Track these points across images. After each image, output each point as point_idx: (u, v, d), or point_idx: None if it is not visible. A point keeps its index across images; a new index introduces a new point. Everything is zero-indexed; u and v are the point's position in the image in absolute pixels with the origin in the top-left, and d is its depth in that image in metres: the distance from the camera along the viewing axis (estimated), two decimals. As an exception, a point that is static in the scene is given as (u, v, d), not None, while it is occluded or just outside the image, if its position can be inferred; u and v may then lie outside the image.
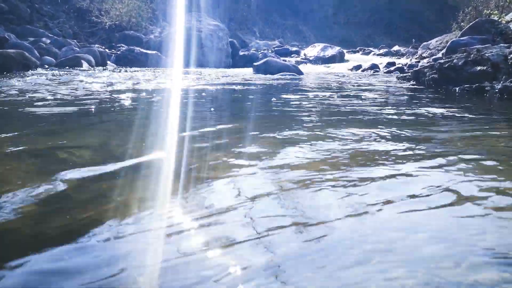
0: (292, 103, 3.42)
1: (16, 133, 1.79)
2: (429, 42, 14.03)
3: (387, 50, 17.07)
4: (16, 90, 3.39)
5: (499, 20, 8.56)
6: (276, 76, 7.49)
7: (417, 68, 6.13)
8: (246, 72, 8.66)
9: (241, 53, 13.08)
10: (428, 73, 5.53)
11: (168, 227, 0.86)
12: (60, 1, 12.16)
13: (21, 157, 1.42)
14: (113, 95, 3.52)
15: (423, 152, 1.60)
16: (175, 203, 1.01)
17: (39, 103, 2.76)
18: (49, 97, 3.08)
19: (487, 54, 4.73)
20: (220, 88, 4.70)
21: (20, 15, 10.67)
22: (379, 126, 2.20)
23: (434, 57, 9.91)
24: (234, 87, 4.99)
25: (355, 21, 29.14)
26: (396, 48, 17.52)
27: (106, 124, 2.20)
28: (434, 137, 1.99)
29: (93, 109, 2.64)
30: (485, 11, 10.58)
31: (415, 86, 5.58)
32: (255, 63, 8.73)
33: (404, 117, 2.67)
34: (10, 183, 1.12)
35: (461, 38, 6.44)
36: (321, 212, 0.97)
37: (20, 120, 2.21)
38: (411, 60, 13.01)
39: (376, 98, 3.99)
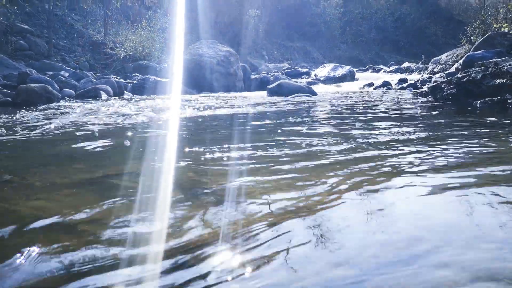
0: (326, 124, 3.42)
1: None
2: (439, 57, 14.06)
3: (397, 67, 17.13)
4: (58, 124, 3.48)
5: (511, 32, 8.56)
6: (290, 97, 7.54)
7: (433, 84, 6.12)
8: (260, 95, 8.74)
9: (252, 77, 13.23)
10: (445, 88, 5.52)
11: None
12: (76, 35, 12.58)
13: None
14: (147, 124, 3.58)
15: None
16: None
17: (90, 136, 2.81)
18: (91, 129, 3.14)
19: (506, 67, 4.71)
20: (243, 113, 4.75)
21: (39, 51, 11.05)
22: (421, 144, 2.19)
23: (447, 72, 9.91)
24: (258, 109, 5.03)
25: (362, 40, 29.41)
26: (406, 64, 17.57)
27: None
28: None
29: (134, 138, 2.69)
30: (494, 24, 10.59)
31: (434, 102, 5.56)
32: (268, 86, 8.82)
33: (439, 133, 2.65)
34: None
35: (476, 52, 6.45)
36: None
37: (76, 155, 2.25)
38: (422, 76, 13.02)
39: (400, 115, 3.98)
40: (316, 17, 28.75)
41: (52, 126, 3.25)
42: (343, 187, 1.42)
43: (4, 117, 3.97)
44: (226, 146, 2.28)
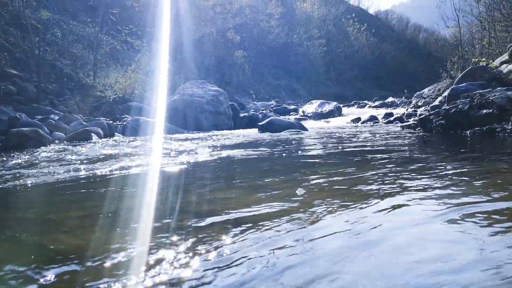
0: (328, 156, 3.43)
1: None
2: (422, 91, 14.53)
3: (381, 102, 17.58)
4: (60, 166, 3.40)
5: (489, 66, 8.95)
6: (282, 133, 7.61)
7: (422, 116, 6.28)
8: (251, 133, 8.81)
9: (241, 115, 13.38)
10: (434, 120, 5.66)
11: None
12: (66, 79, 12.66)
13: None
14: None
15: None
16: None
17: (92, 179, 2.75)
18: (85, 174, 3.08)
19: (491, 98, 4.88)
20: (242, 152, 4.75)
21: (27, 96, 11.03)
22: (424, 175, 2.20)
23: (431, 105, 10.20)
24: (255, 149, 5.04)
25: (346, 77, 30.36)
26: (390, 99, 18.07)
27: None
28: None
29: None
30: (472, 59, 11.09)
31: (423, 133, 5.67)
32: (259, 123, 8.91)
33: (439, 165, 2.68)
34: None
35: (460, 85, 6.69)
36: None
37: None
38: (407, 109, 13.37)
39: (394, 148, 4.03)
40: (300, 56, 29.71)
41: (52, 171, 3.18)
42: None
43: (-4, 161, 3.88)
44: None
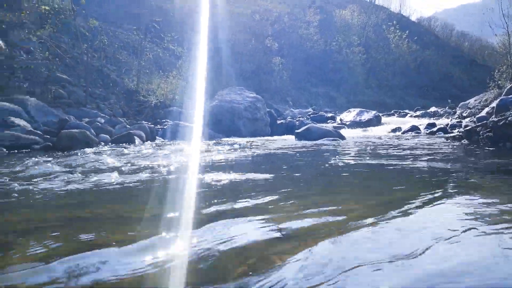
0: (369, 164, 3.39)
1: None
2: (468, 101, 13.92)
3: (423, 111, 17.02)
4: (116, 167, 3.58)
5: (542, 75, 8.46)
6: (319, 141, 7.56)
7: (468, 127, 6.03)
8: (288, 139, 8.81)
9: (278, 122, 13.41)
10: (481, 132, 5.42)
11: None
12: (111, 84, 13.24)
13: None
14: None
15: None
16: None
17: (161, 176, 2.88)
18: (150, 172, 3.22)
19: (544, 110, 4.62)
20: (282, 154, 4.77)
21: (76, 99, 11.63)
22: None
23: (477, 116, 9.76)
24: (292, 152, 5.05)
25: (387, 85, 29.65)
26: (433, 109, 17.46)
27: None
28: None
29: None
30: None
31: (470, 145, 5.44)
32: (297, 130, 8.90)
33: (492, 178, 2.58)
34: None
35: (509, 96, 6.37)
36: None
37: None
38: (451, 120, 12.87)
39: (438, 159, 3.90)
40: (339, 64, 29.39)
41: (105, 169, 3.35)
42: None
43: (57, 161, 4.13)
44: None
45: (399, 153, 4.66)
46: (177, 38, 16.23)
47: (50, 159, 4.32)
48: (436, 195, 2.03)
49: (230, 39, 21.87)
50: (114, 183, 2.66)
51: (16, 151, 5.49)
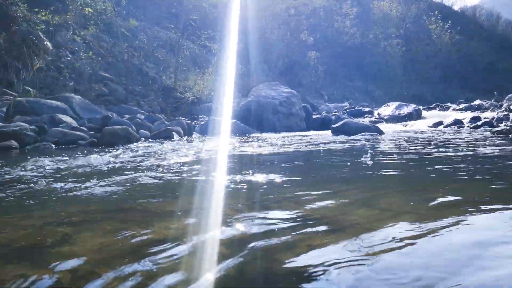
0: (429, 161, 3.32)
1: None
2: (516, 93, 13.16)
3: (467, 104, 16.25)
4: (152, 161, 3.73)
5: None
6: (357, 136, 7.42)
7: (517, 121, 5.70)
8: (324, 134, 8.72)
9: (314, 117, 13.28)
10: (532, 125, 5.12)
11: None
12: (150, 81, 13.64)
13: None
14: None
15: None
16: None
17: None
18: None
19: None
20: (319, 150, 4.75)
21: (117, 97, 12.09)
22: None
23: (528, 108, 9.22)
24: (332, 147, 5.01)
25: (427, 77, 28.53)
26: (477, 102, 16.64)
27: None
28: None
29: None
30: None
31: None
32: (333, 125, 8.79)
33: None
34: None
35: None
36: None
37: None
38: (497, 113, 12.23)
39: (484, 156, 3.73)
40: (377, 57, 28.62)
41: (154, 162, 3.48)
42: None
43: (107, 156, 4.33)
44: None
45: (442, 149, 4.50)
46: (213, 35, 16.44)
47: (97, 154, 4.53)
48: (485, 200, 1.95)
49: (265, 35, 21.87)
50: (160, 178, 2.76)
51: (63, 146, 5.80)
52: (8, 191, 2.24)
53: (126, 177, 2.75)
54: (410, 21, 34.08)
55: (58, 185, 2.46)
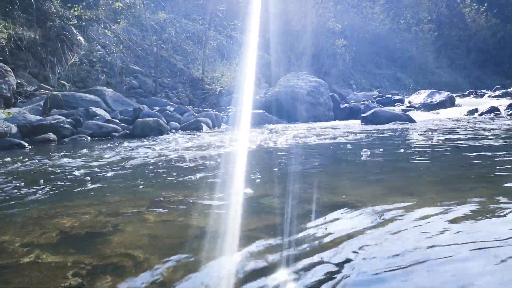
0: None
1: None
2: (558, 78, 12.47)
3: (504, 91, 15.55)
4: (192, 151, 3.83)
5: None
6: (388, 125, 7.29)
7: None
8: (353, 124, 8.61)
9: (342, 106, 13.11)
10: None
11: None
12: (178, 73, 13.83)
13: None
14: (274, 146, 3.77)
15: None
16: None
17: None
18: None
19: None
20: (348, 140, 4.71)
21: (147, 89, 12.35)
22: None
23: None
24: (362, 137, 4.96)
25: (460, 63, 27.46)
26: (515, 87, 15.88)
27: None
28: None
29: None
30: None
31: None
32: (362, 114, 8.65)
33: None
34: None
35: None
36: None
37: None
38: (537, 99, 11.65)
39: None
40: (407, 43, 27.75)
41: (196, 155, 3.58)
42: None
43: (151, 145, 4.47)
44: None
45: (477, 138, 4.36)
46: (240, 26, 16.42)
47: (132, 144, 4.68)
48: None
49: (291, 22, 21.62)
50: (199, 170, 2.83)
51: (98, 138, 6.01)
52: (61, 182, 2.37)
53: (165, 170, 2.84)
54: (442, 5, 32.74)
55: (108, 174, 2.57)
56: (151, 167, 2.94)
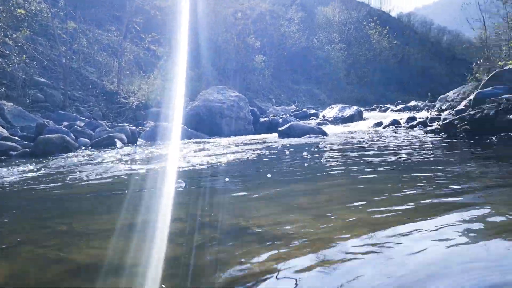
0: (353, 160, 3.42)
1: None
2: (446, 94, 14.21)
3: (404, 105, 17.28)
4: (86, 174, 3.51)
5: (517, 68, 8.68)
6: (302, 139, 7.60)
7: (446, 121, 6.14)
8: (271, 137, 8.83)
9: (261, 120, 13.42)
10: (459, 125, 5.53)
11: None
12: (91, 86, 13.03)
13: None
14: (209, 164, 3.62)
15: None
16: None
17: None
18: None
19: (518, 102, 4.74)
20: (264, 154, 4.77)
21: (54, 102, 11.41)
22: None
23: (456, 109, 9.96)
24: (276, 150, 5.06)
25: (367, 80, 30.00)
26: (413, 103, 17.76)
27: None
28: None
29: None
30: (499, 62, 10.79)
31: (448, 139, 5.55)
32: (279, 128, 8.92)
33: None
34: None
35: (486, 89, 6.50)
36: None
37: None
38: (430, 113, 13.10)
39: (416, 153, 3.97)
40: (321, 61, 29.58)
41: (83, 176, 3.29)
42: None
43: (23, 168, 4.04)
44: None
45: (380, 148, 4.72)
46: (158, 38, 16.09)
47: (24, 167, 4.23)
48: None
49: (212, 39, 21.78)
50: (91, 192, 2.62)
51: (-9, 158, 5.35)
52: None
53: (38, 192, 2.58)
54: (351, 26, 35.64)
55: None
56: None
